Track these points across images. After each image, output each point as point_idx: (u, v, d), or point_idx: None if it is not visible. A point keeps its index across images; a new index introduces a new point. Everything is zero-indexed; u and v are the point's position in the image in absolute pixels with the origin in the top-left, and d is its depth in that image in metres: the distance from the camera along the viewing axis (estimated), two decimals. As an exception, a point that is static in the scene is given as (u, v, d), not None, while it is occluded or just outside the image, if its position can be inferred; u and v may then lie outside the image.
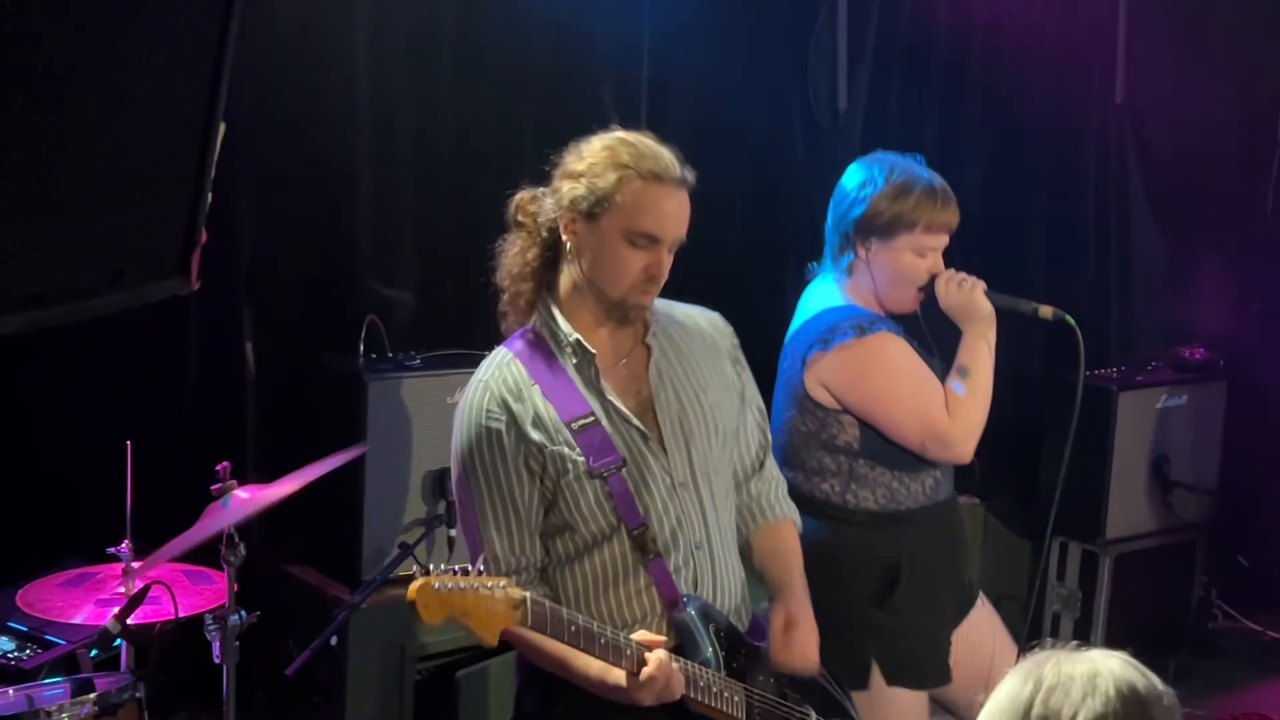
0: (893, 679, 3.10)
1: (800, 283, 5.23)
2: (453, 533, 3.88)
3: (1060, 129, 5.59)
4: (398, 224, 4.36)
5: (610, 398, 2.53)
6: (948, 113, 5.36)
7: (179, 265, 1.48)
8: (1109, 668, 1.54)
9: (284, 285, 4.19)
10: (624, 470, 2.49)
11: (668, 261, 2.50)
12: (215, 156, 1.45)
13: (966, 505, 5.17)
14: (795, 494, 3.01)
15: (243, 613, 3.01)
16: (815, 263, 3.30)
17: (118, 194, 1.36)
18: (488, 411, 2.48)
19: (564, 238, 2.53)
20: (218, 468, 3.04)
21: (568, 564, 2.54)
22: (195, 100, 1.36)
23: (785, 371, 3.22)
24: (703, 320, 2.74)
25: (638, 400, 2.56)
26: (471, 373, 3.66)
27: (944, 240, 3.18)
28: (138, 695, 2.82)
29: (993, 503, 5.37)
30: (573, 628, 2.32)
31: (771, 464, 2.81)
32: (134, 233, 1.42)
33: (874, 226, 3.13)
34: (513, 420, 2.47)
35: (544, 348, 2.55)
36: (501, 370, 2.53)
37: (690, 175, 2.51)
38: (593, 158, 2.50)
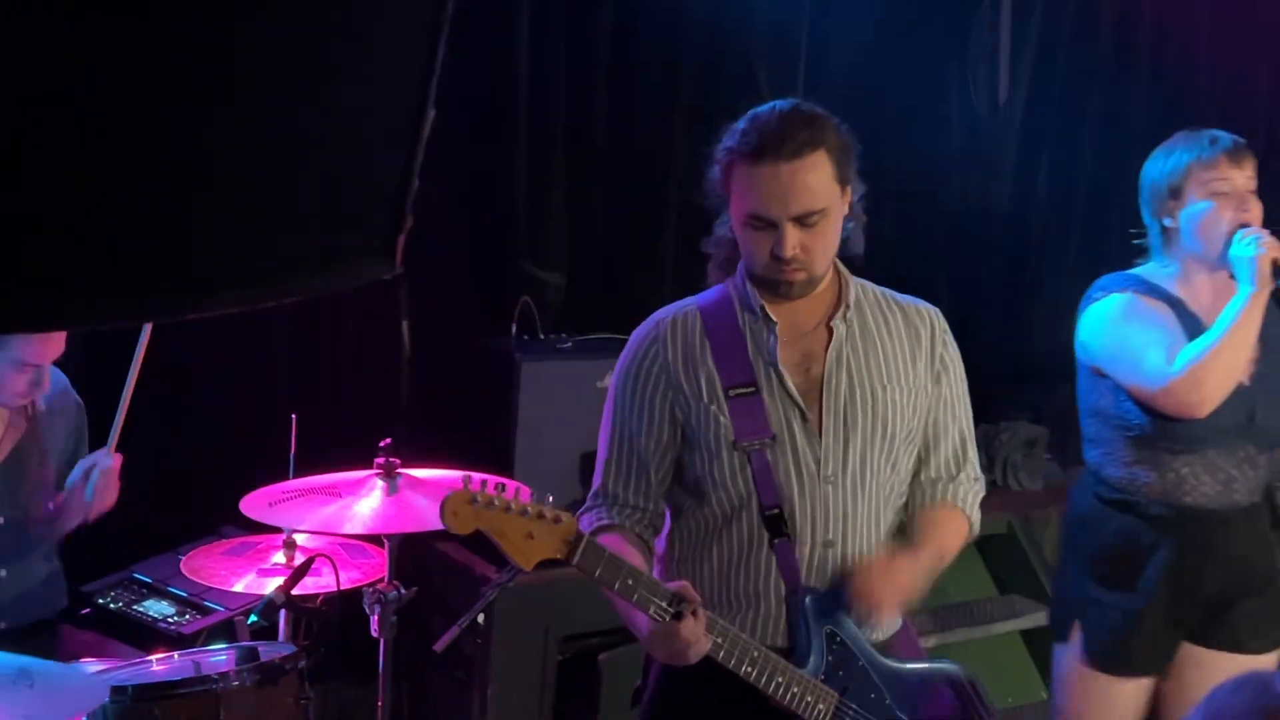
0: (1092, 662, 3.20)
1: (945, 268, 5.20)
2: (599, 516, 3.93)
3: (1228, 125, 5.42)
4: (551, 206, 4.40)
5: (780, 367, 2.48)
6: (1111, 108, 5.25)
7: (385, 248, 1.49)
8: None
9: (439, 267, 4.22)
10: (770, 449, 2.45)
11: (796, 236, 2.38)
12: (424, 141, 1.47)
13: None
14: (1092, 470, 3.19)
15: (401, 588, 3.04)
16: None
17: (331, 174, 1.38)
18: (645, 350, 2.51)
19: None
20: (380, 444, 3.08)
21: (702, 546, 2.52)
22: (409, 84, 1.37)
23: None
24: (915, 314, 2.61)
25: (806, 378, 2.50)
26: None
27: (1234, 181, 3.15)
28: (300, 665, 2.86)
29: None
30: (629, 580, 2.29)
31: (967, 478, 2.65)
32: (345, 215, 1.43)
33: (1167, 188, 3.19)
34: (665, 366, 2.48)
35: (729, 307, 2.53)
36: (678, 316, 2.54)
37: (801, 140, 2.38)
38: (719, 140, 2.49)
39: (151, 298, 1.40)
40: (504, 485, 2.23)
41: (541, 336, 4.11)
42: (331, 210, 1.37)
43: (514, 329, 4.08)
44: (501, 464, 3.83)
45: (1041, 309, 5.40)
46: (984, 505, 3.92)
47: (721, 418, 2.45)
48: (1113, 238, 5.27)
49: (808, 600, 2.45)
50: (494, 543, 2.20)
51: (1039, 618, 4.74)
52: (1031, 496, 5.22)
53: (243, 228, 1.29)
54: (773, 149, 2.36)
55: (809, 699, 2.42)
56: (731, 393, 2.46)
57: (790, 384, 2.48)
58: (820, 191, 2.39)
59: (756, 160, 2.37)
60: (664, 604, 2.31)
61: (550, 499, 2.26)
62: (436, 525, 2.97)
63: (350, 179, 1.35)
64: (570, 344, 4.06)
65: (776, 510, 2.45)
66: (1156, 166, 3.22)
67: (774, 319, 2.49)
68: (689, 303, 2.57)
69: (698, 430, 2.47)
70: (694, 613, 2.31)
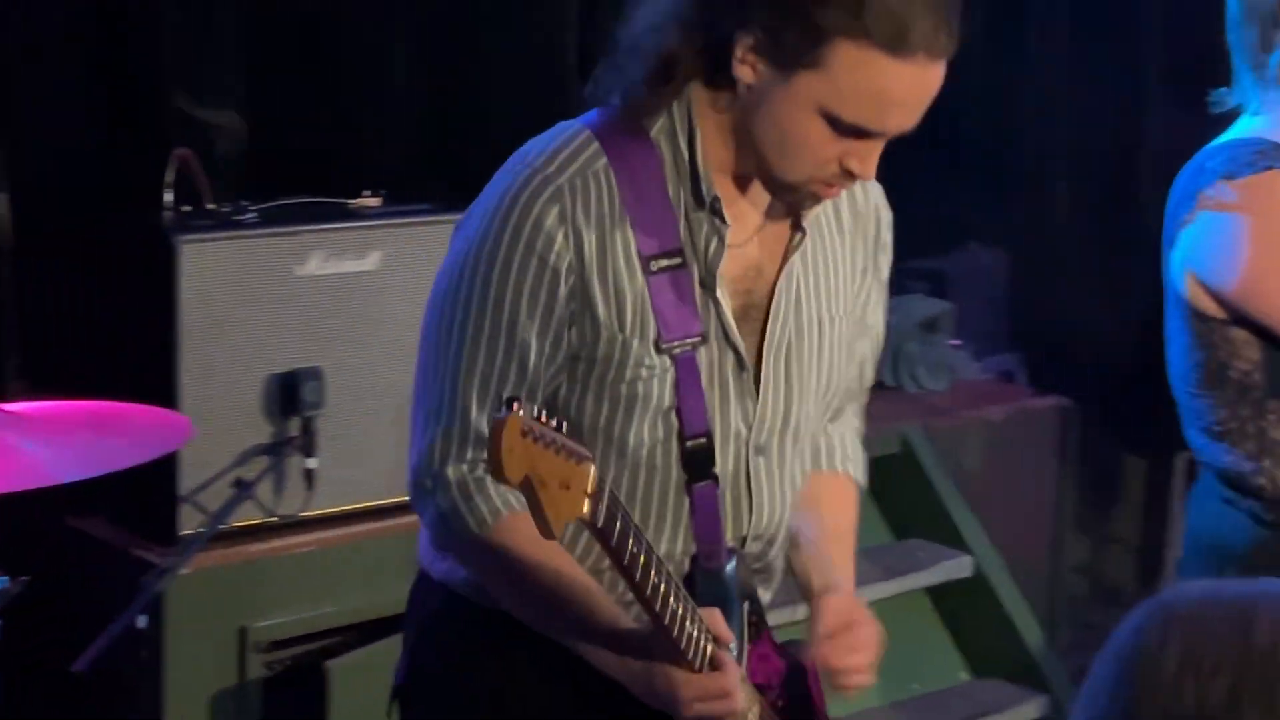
0: None
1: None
2: (311, 463, 3.95)
3: None
4: (215, 9, 4.35)
5: (719, 296, 2.50)
6: None
7: None
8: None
9: (46, 105, 4.16)
10: (700, 349, 2.49)
11: (877, 154, 2.43)
12: None
13: (1050, 407, 5.34)
14: (1212, 469, 3.07)
15: (4, 579, 2.98)
16: (1224, 90, 3.17)
17: None
18: (548, 233, 2.45)
19: (736, 68, 2.41)
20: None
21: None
22: None
23: (1165, 262, 3.13)
24: (863, 197, 2.68)
25: (745, 301, 2.54)
26: (334, 231, 3.69)
27: None
28: None
29: (1090, 403, 5.43)
30: (634, 549, 2.28)
31: (854, 412, 2.83)
32: None
33: None
34: (578, 264, 2.46)
35: (654, 167, 2.51)
36: (588, 177, 2.48)
37: (955, 34, 2.36)
38: None
39: None
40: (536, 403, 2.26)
41: (210, 206, 4.05)
42: None
43: (168, 195, 3.99)
44: (157, 392, 3.72)
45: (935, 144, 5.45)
46: (869, 415, 3.96)
47: (643, 314, 2.47)
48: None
49: (731, 567, 2.51)
50: (531, 498, 2.15)
51: (952, 568, 4.85)
52: (934, 401, 5.25)
53: None
54: (924, 40, 2.31)
55: (743, 705, 2.47)
56: (654, 265, 2.47)
57: (728, 317, 2.51)
58: None
59: (896, 51, 2.31)
60: (695, 635, 2.36)
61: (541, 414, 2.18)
62: (59, 482, 2.99)
63: None
64: (254, 214, 4.00)
65: (704, 440, 2.50)
66: None
67: (726, 220, 2.48)
68: (588, 153, 2.50)
69: (607, 365, 2.48)
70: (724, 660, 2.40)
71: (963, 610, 4.90)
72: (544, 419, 2.14)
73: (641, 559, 2.29)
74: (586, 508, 2.18)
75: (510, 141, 2.57)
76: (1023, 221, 5.64)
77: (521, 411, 2.10)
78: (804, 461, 2.64)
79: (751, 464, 2.55)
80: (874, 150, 2.41)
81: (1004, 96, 5.57)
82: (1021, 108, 5.62)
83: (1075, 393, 5.39)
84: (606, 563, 2.37)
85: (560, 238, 2.44)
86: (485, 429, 2.41)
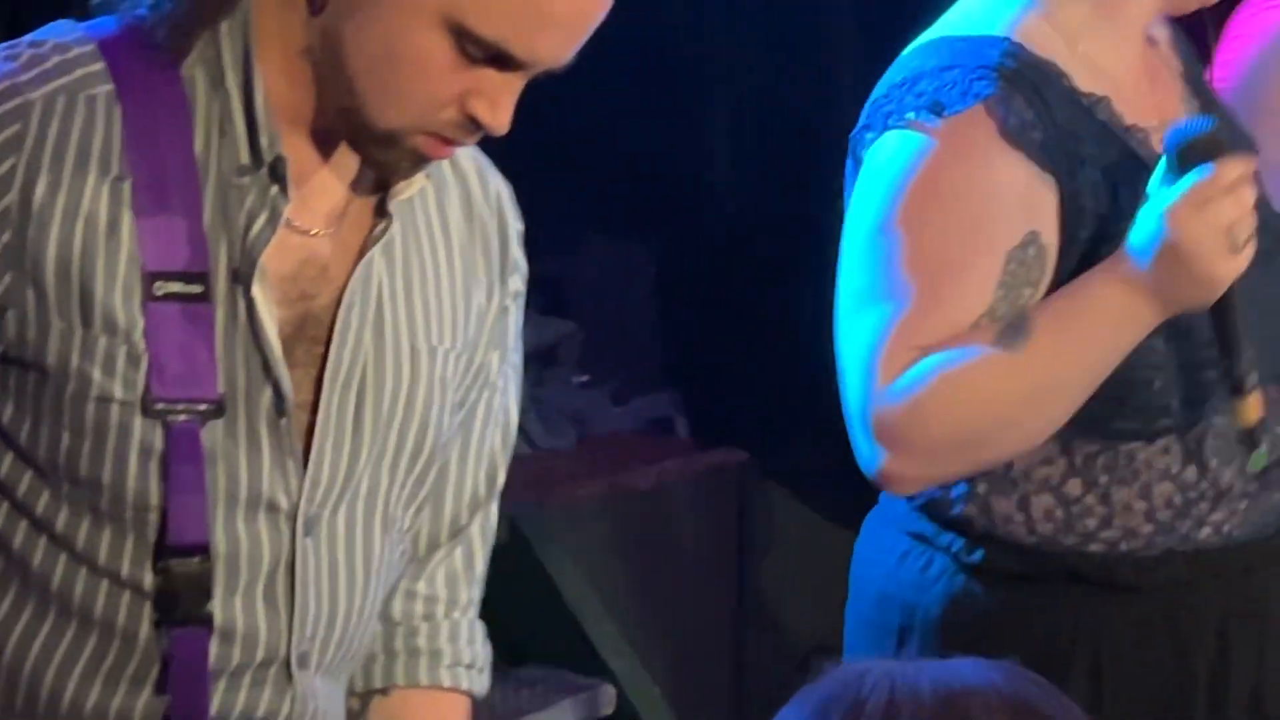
0: None
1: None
2: None
3: None
4: None
5: (257, 300, 2.39)
6: None
7: None
8: (986, 681, 1.60)
9: None
10: (214, 430, 2.40)
11: (513, 97, 2.41)
12: None
13: (721, 465, 5.33)
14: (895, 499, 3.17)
15: None
16: None
17: None
18: None
19: None
20: None
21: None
22: None
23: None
24: (481, 191, 2.62)
25: (301, 312, 2.43)
26: None
27: None
28: None
29: (775, 457, 5.37)
30: None
31: (477, 535, 2.72)
32: None
33: None
34: (20, 214, 2.32)
35: (179, 117, 2.41)
36: (78, 100, 2.36)
37: None
38: None
39: None
40: None
41: None
42: None
43: None
44: None
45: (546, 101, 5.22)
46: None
47: (123, 354, 2.35)
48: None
49: None
50: None
51: (589, 703, 4.80)
52: (555, 465, 5.12)
53: None
54: None
55: None
56: (159, 289, 2.39)
57: (269, 334, 2.40)
58: None
59: None
60: None
61: None
62: None
63: None
64: None
65: (201, 557, 2.40)
66: None
67: (289, 190, 2.38)
68: (88, 61, 2.38)
69: (63, 382, 2.34)
70: None
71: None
72: None
73: None
74: None
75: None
76: (674, 211, 5.45)
77: None
78: (374, 541, 2.47)
79: (298, 549, 2.41)
80: (510, 90, 2.35)
81: (653, 36, 5.38)
82: (673, 48, 5.47)
83: (754, 443, 5.36)
84: None
85: (4, 169, 2.34)
86: None
